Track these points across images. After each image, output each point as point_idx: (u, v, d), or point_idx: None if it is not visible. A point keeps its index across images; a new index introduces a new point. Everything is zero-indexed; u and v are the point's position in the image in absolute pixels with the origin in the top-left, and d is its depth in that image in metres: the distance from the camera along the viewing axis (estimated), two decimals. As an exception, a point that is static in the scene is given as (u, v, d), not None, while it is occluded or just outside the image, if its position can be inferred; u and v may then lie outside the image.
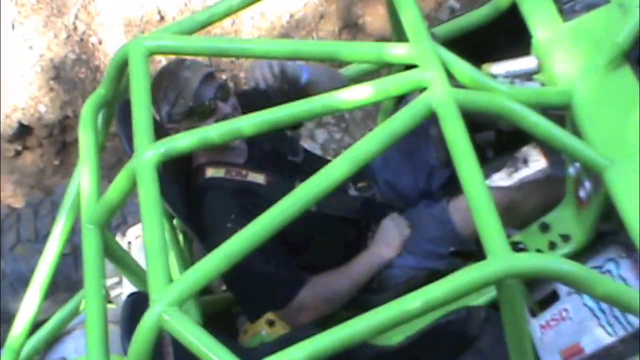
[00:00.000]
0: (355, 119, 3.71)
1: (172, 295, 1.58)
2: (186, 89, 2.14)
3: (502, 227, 1.57)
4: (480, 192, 1.60)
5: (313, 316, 2.15)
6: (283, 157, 2.39)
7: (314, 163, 2.43)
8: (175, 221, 2.40)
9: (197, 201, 2.22)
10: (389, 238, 2.27)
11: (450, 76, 1.86)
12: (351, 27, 3.77)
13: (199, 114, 2.16)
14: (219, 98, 2.19)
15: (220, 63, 3.82)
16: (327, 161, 2.45)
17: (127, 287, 2.40)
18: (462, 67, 1.90)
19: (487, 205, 1.58)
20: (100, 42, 3.88)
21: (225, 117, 2.17)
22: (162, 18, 3.81)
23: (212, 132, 1.82)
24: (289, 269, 2.18)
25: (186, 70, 2.17)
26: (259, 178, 2.27)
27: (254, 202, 2.17)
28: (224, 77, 2.32)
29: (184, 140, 1.80)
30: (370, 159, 1.75)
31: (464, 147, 1.67)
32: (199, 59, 2.35)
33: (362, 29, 3.77)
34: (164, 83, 2.16)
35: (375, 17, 3.75)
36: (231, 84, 2.38)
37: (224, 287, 2.60)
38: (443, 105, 1.74)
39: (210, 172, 2.25)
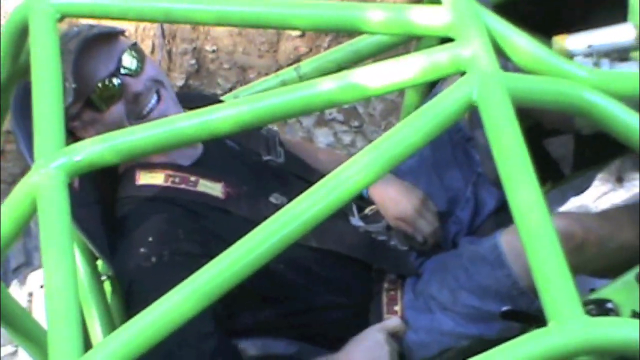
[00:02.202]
0: (372, 115, 3.73)
1: (85, 373, 1.58)
2: (67, 68, 2.17)
3: (571, 278, 1.57)
4: (536, 223, 1.60)
5: None
6: (255, 157, 2.42)
7: (302, 169, 2.46)
8: (100, 262, 2.41)
9: (120, 225, 2.25)
10: (373, 356, 2.23)
11: (503, 55, 1.87)
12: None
13: (96, 100, 2.22)
14: (124, 72, 2.24)
15: (179, 30, 3.84)
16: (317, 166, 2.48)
17: (26, 360, 2.41)
18: (519, 42, 1.90)
19: (548, 247, 1.58)
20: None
21: (136, 99, 2.24)
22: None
23: (152, 132, 1.83)
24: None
25: (72, 40, 2.21)
26: (214, 189, 2.30)
27: (198, 228, 2.20)
28: (129, 40, 2.37)
29: (106, 145, 1.81)
30: (387, 170, 1.76)
31: (516, 158, 1.67)
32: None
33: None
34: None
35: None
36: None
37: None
38: (487, 97, 1.75)
39: (143, 178, 2.28)
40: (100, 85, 2.23)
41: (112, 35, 2.29)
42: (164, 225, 2.21)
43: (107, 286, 2.46)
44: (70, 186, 1.79)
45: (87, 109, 2.24)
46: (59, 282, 1.67)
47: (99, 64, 2.23)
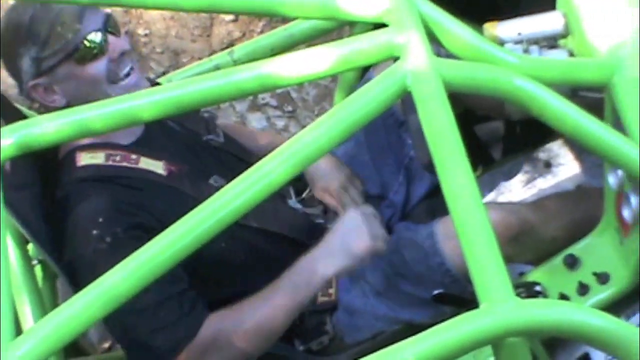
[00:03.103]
0: (306, 100, 3.73)
1: (17, 357, 1.57)
2: (64, 17, 2.17)
3: (502, 261, 1.59)
4: (468, 207, 1.62)
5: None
6: (195, 137, 2.42)
7: (240, 149, 2.46)
8: (30, 246, 2.39)
9: (61, 208, 2.22)
10: (350, 237, 2.20)
11: (435, 41, 1.88)
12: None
13: (83, 53, 2.20)
14: (109, 30, 2.24)
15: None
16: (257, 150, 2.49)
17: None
18: (451, 28, 1.91)
19: (480, 230, 1.60)
20: None
21: (120, 59, 2.24)
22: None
23: (94, 113, 1.81)
24: (183, 303, 2.17)
25: None
26: (156, 166, 2.29)
27: (144, 203, 2.19)
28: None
29: (51, 125, 1.78)
30: (321, 155, 1.77)
31: (449, 143, 1.68)
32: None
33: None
34: (25, 18, 2.19)
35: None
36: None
37: (107, 345, 2.59)
38: (421, 82, 1.76)
39: (84, 159, 2.26)
40: (89, 37, 2.20)
41: None
42: (110, 204, 2.18)
43: (38, 271, 2.44)
44: (3, 169, 1.78)
45: (67, 61, 2.20)
46: (-8, 266, 1.66)
47: (88, 17, 2.20)
